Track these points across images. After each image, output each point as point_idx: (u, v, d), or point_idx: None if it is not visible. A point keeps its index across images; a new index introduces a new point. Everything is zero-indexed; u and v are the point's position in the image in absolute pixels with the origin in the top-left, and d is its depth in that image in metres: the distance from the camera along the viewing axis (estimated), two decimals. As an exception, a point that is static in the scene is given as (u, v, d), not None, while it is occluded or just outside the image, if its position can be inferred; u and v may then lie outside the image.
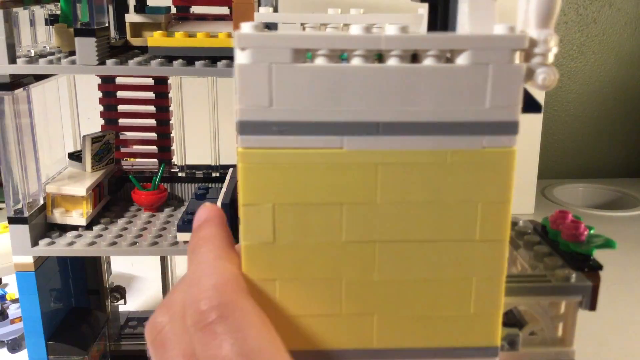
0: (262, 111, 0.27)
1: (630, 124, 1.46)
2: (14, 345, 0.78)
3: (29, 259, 0.60)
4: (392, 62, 0.27)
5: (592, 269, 0.35)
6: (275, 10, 0.68)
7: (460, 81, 0.27)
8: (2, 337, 0.78)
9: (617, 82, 1.42)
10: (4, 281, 0.91)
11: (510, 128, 0.28)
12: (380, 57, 0.28)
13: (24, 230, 0.60)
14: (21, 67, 0.56)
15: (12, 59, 0.56)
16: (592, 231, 0.37)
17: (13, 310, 0.79)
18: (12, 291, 0.84)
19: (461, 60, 0.27)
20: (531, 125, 1.17)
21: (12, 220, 0.59)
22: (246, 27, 0.27)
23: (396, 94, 0.27)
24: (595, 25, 1.39)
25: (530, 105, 0.29)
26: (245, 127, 0.27)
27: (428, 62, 0.27)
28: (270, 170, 0.28)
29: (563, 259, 0.36)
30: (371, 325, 0.30)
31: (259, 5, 0.65)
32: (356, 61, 0.27)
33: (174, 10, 0.72)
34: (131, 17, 0.67)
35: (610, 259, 1.13)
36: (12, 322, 0.78)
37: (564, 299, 0.35)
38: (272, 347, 0.25)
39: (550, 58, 0.28)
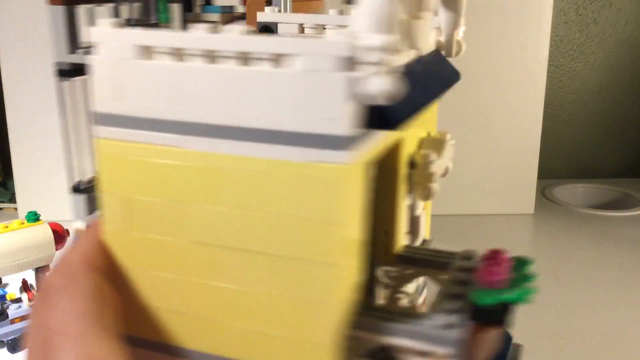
0: (114, 104, 0.29)
1: (630, 124, 1.46)
2: (14, 345, 0.78)
3: (83, 225, 0.69)
4: (228, 64, 0.27)
5: (492, 322, 0.29)
6: (286, 10, 0.69)
7: (285, 88, 0.26)
8: (2, 337, 0.78)
9: (617, 83, 1.42)
10: (4, 281, 0.91)
11: (338, 143, 0.26)
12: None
13: (79, 200, 0.69)
14: (78, 57, 0.64)
15: (72, 50, 0.64)
16: (524, 276, 0.30)
17: (13, 311, 0.79)
18: (12, 291, 0.84)
19: (289, 65, 0.26)
20: (531, 125, 1.17)
21: (71, 190, 0.69)
22: (102, 23, 0.28)
23: (227, 96, 0.27)
24: (595, 25, 1.39)
25: (379, 120, 0.26)
26: (100, 119, 0.29)
27: (257, 65, 0.27)
28: (122, 162, 0.29)
29: (467, 304, 0.31)
30: (211, 329, 0.30)
31: (270, 4, 0.66)
32: (198, 61, 0.27)
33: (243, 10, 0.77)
34: (189, 16, 0.74)
35: (610, 259, 1.13)
36: (12, 322, 0.78)
37: (429, 348, 0.29)
38: (81, 324, 0.27)
39: (388, 67, 0.25)
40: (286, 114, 0.26)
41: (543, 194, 1.31)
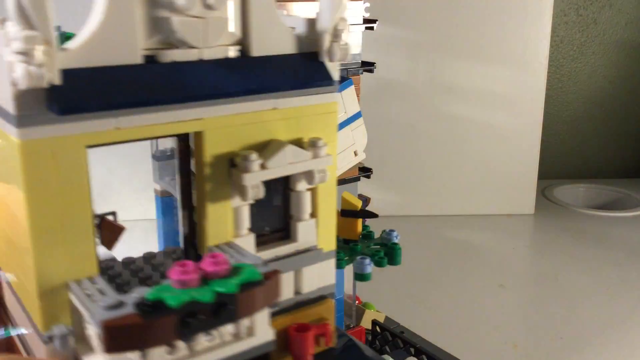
0: None
1: (630, 124, 1.46)
2: (15, 345, 0.78)
3: (159, 187, 0.69)
4: None
5: (150, 316, 0.28)
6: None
7: None
8: (2, 337, 0.78)
9: (617, 83, 1.42)
10: (4, 281, 0.91)
11: (13, 119, 0.30)
12: None
13: (156, 165, 0.69)
14: None
15: None
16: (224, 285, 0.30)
17: None
18: None
19: None
20: (531, 125, 1.17)
21: (153, 158, 0.69)
22: None
23: None
24: (595, 25, 1.39)
25: (52, 105, 0.30)
26: None
27: None
28: None
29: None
30: (5, 262, 0.39)
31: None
32: None
33: None
34: None
35: (610, 259, 1.12)
36: (13, 321, 0.78)
37: (89, 320, 0.30)
38: None
39: (37, 57, 0.28)
40: None
41: (543, 194, 1.31)
